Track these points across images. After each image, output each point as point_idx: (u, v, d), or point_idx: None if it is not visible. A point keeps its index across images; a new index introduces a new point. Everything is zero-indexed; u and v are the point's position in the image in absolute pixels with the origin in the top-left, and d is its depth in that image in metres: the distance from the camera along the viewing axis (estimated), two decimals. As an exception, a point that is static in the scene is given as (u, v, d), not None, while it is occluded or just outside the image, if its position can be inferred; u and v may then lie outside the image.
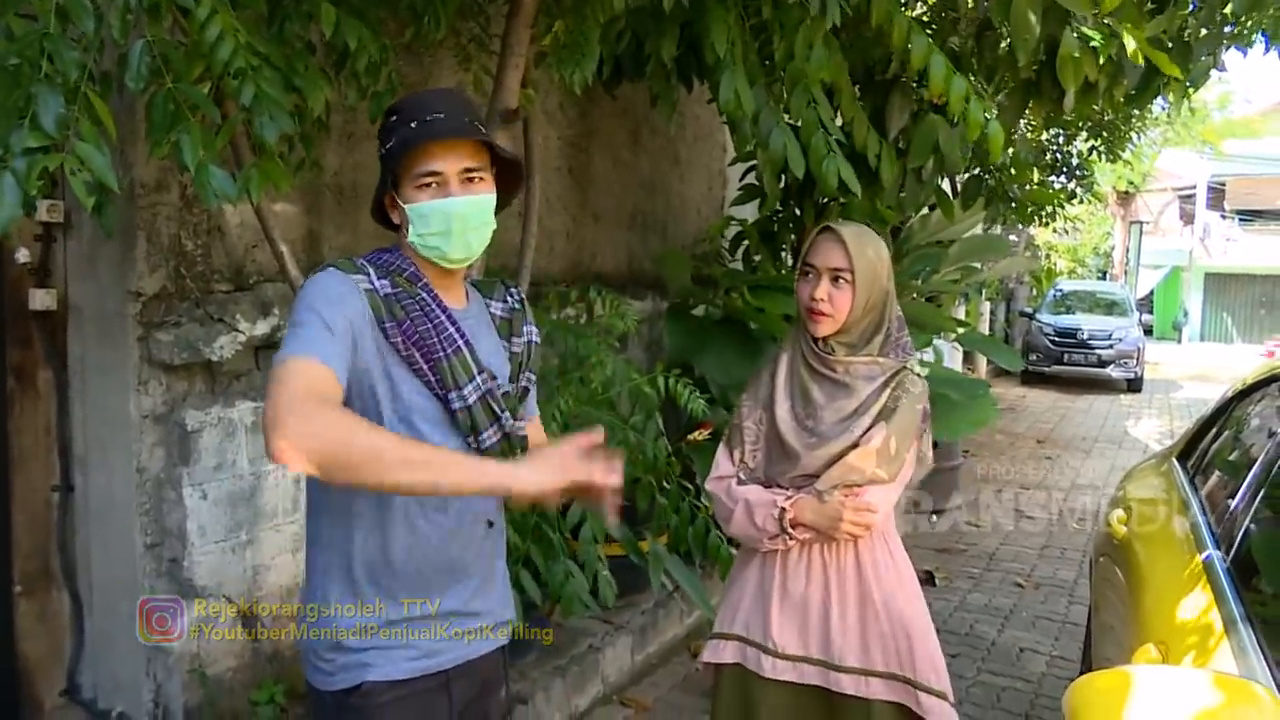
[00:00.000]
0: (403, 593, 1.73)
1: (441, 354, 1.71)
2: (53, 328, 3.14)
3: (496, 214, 1.82)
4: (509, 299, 1.96)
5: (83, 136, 1.96)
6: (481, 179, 1.75)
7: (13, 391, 3.08)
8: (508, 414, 1.81)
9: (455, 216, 1.72)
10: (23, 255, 3.03)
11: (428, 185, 1.71)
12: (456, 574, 1.79)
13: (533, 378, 1.98)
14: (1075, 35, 3.48)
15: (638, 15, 3.25)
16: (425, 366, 1.70)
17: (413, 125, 1.71)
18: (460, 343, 1.74)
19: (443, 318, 1.74)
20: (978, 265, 6.14)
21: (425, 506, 1.74)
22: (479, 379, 1.75)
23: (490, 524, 1.85)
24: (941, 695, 2.31)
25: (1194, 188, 30.19)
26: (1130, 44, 3.32)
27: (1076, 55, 3.48)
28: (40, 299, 3.07)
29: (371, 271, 1.70)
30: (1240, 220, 30.58)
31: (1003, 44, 4.00)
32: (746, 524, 2.36)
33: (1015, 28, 3.36)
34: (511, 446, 1.83)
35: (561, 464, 1.58)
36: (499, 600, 1.90)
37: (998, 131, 3.21)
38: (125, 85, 2.12)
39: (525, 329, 1.95)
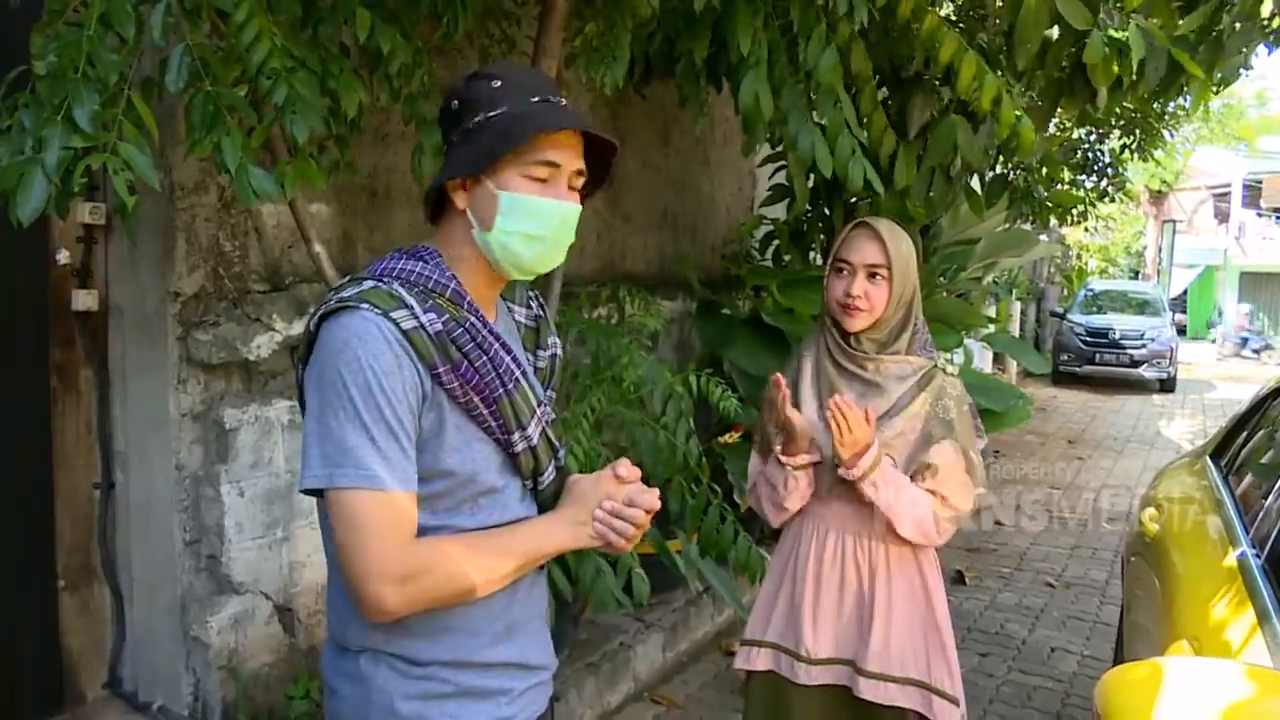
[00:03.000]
0: (460, 651, 1.48)
1: (501, 391, 1.45)
2: (94, 328, 3.19)
3: None
4: (532, 305, 1.69)
5: (125, 137, 2.02)
6: (581, 190, 1.52)
7: (55, 390, 3.13)
8: (559, 444, 1.61)
9: (560, 223, 1.47)
10: (64, 257, 3.08)
11: (539, 179, 1.44)
12: (512, 629, 1.54)
13: (553, 396, 1.70)
14: (1104, 36, 3.46)
15: (669, 15, 3.27)
16: (485, 411, 1.44)
17: (534, 100, 1.44)
18: (518, 374, 1.48)
19: (497, 347, 1.46)
20: (1007, 260, 6.13)
21: None
22: (539, 411, 1.53)
23: (540, 567, 1.62)
24: (954, 701, 2.32)
25: (1229, 185, 29.88)
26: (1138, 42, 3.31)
27: (1106, 54, 3.46)
28: (82, 299, 3.13)
29: (415, 304, 1.40)
30: (1277, 218, 30.20)
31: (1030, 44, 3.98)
32: (766, 489, 2.40)
33: (1020, 33, 3.36)
34: (563, 482, 1.62)
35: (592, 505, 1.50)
36: (548, 647, 1.66)
37: (1028, 128, 3.20)
38: (165, 89, 2.16)
39: (550, 340, 1.69)
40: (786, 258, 5.43)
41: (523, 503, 1.54)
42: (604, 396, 3.50)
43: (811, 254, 5.46)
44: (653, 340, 4.59)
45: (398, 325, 1.36)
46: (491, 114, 1.42)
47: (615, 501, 1.48)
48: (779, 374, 2.31)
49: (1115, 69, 3.53)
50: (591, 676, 3.81)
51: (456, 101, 1.47)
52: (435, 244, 1.51)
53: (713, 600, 4.64)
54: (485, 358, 1.43)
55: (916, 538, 2.30)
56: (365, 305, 1.36)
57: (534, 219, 1.44)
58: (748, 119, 3.27)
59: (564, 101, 1.47)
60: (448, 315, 1.42)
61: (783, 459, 2.34)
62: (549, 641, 1.65)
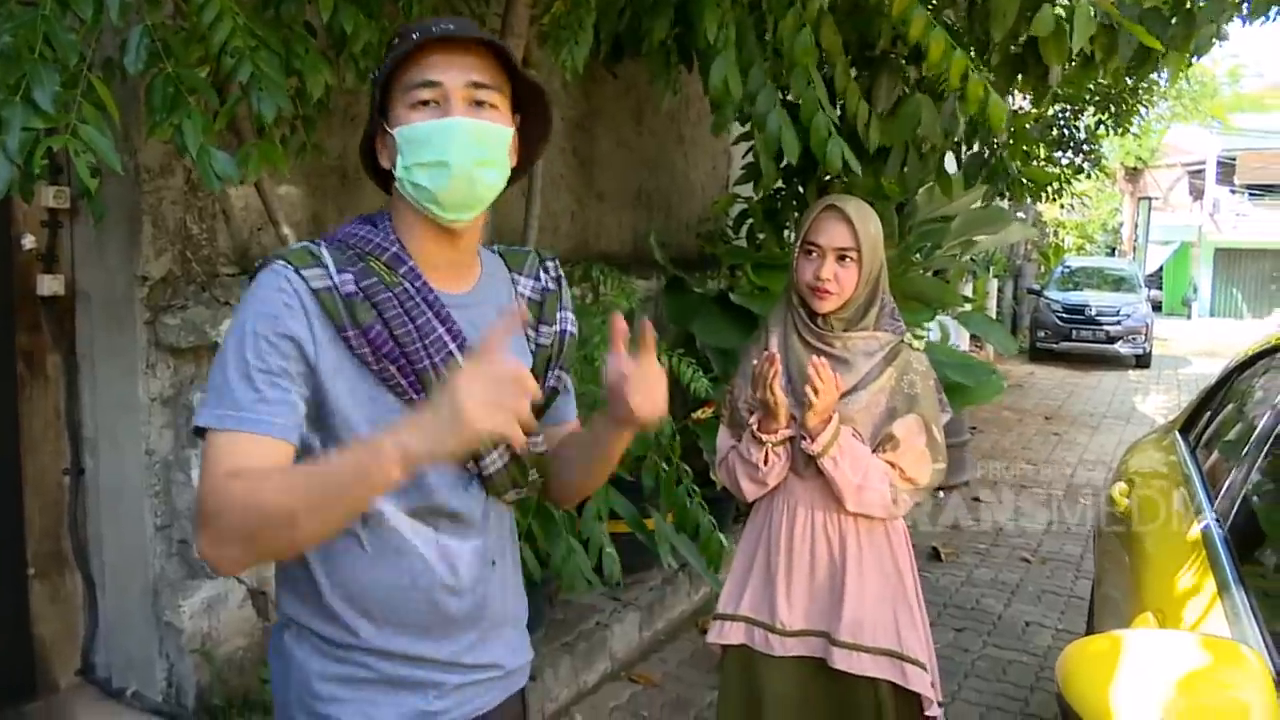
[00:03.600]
0: (380, 639, 1.39)
1: (426, 363, 1.34)
2: (61, 313, 3.16)
3: (513, 181, 1.45)
4: (542, 276, 1.56)
5: (85, 119, 1.99)
6: (494, 107, 1.36)
7: (23, 376, 3.10)
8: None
9: (455, 144, 1.32)
10: (29, 241, 3.05)
11: (424, 104, 1.33)
12: (450, 627, 1.43)
13: (565, 378, 1.60)
14: (1057, 10, 3.46)
15: (634, -4, 3.26)
16: (404, 382, 1.34)
17: (414, 36, 1.33)
18: (451, 346, 1.36)
19: (429, 314, 1.36)
20: (981, 238, 6.13)
21: (397, 543, 1.38)
22: None
23: (492, 563, 1.48)
24: (922, 666, 2.36)
25: (1203, 163, 30.06)
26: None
27: (1059, 29, 3.46)
28: (48, 284, 3.09)
29: (330, 262, 1.34)
30: (1250, 195, 30.45)
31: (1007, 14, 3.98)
32: (744, 468, 2.42)
33: (994, 6, 3.36)
34: (523, 471, 1.47)
35: (465, 400, 1.13)
36: (507, 648, 1.52)
37: (997, 105, 3.21)
38: (128, 70, 2.14)
39: (559, 315, 1.56)
40: (760, 236, 5.43)
41: (468, 490, 1.43)
42: (574, 377, 3.49)
43: (786, 231, 5.46)
44: (628, 319, 4.58)
45: (306, 282, 1.31)
46: (381, 67, 1.38)
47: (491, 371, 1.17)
48: (773, 352, 2.31)
49: (1081, 42, 3.53)
50: (567, 656, 3.82)
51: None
52: (392, 208, 1.45)
53: (689, 578, 4.65)
54: (410, 325, 1.34)
55: (873, 510, 2.33)
56: (279, 261, 1.33)
57: (426, 146, 1.33)
58: (717, 102, 3.26)
59: (449, 26, 1.34)
60: (375, 279, 1.34)
61: (762, 436, 2.34)
62: (512, 643, 1.54)
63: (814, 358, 2.26)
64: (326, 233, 1.44)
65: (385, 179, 1.45)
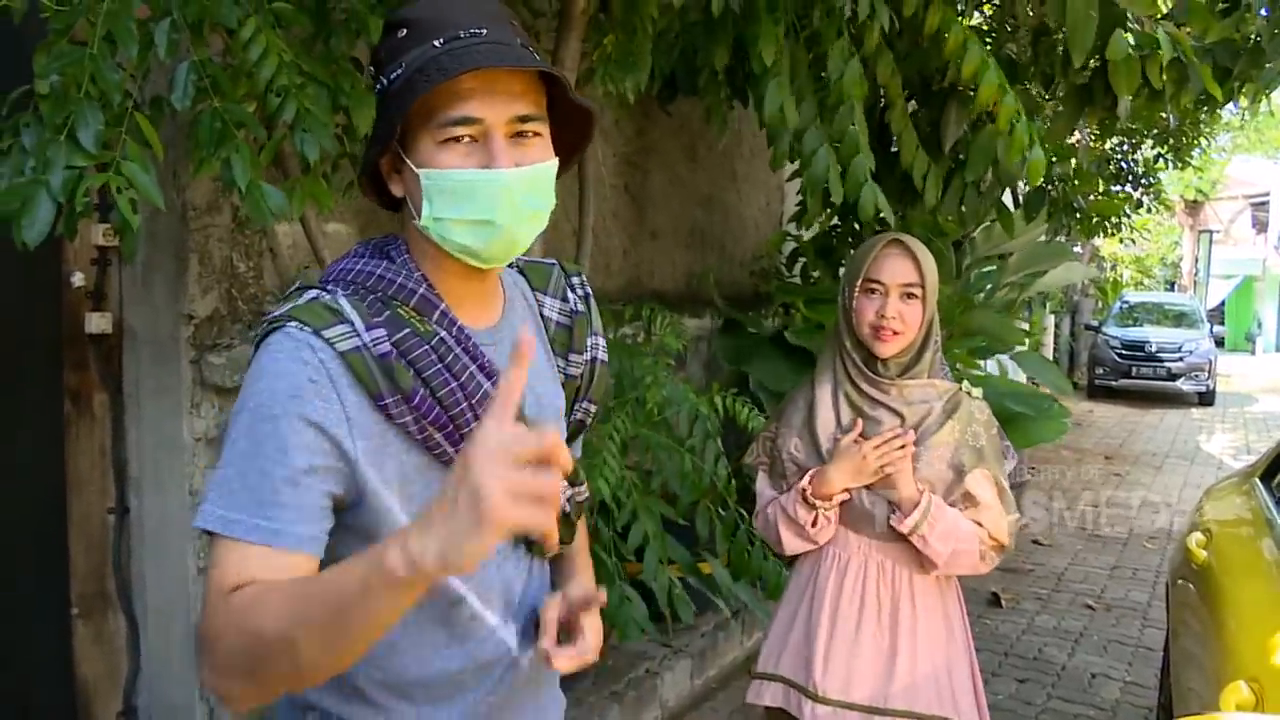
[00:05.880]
0: None
1: (472, 427, 1.07)
2: (108, 351, 3.14)
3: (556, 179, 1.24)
4: (570, 296, 1.38)
5: (129, 156, 1.96)
6: (537, 134, 1.16)
7: (69, 415, 3.08)
8: (563, 485, 1.19)
9: (503, 201, 1.12)
10: (78, 279, 3.03)
11: (457, 140, 1.11)
12: (501, 705, 1.29)
13: (592, 409, 1.42)
14: (1130, 38, 3.35)
15: (690, 26, 3.19)
16: (452, 451, 1.14)
17: (437, 43, 1.10)
18: None
19: (473, 369, 1.16)
20: (1041, 272, 5.99)
21: (443, 617, 1.22)
22: None
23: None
24: None
25: (1268, 194, 29.43)
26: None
27: (1129, 56, 3.35)
28: (96, 322, 3.07)
29: (357, 318, 1.12)
30: (1316, 228, 29.74)
31: (1059, 49, 3.88)
32: (789, 526, 2.27)
33: (1071, 28, 3.25)
34: (570, 528, 1.36)
35: (482, 503, 0.82)
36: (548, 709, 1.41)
37: (1039, 158, 3.13)
38: (175, 106, 2.11)
39: (590, 341, 1.39)
40: (814, 274, 5.34)
41: (515, 550, 1.29)
42: (629, 418, 3.41)
43: (841, 268, 5.37)
44: (679, 360, 4.50)
45: (331, 345, 1.10)
46: (395, 74, 1.13)
47: (510, 462, 0.83)
48: (858, 422, 2.20)
49: (1153, 76, 3.42)
50: (616, 705, 3.70)
51: (373, 66, 1.19)
52: (404, 234, 1.23)
53: (741, 624, 4.53)
54: (454, 384, 1.14)
55: (961, 571, 2.21)
56: (293, 323, 1.11)
57: (466, 200, 1.12)
58: (772, 130, 3.18)
59: (482, 31, 1.11)
60: (408, 330, 1.14)
61: (817, 502, 2.21)
62: (555, 698, 1.43)
63: (904, 434, 2.16)
64: (331, 271, 1.21)
65: (386, 196, 1.24)
